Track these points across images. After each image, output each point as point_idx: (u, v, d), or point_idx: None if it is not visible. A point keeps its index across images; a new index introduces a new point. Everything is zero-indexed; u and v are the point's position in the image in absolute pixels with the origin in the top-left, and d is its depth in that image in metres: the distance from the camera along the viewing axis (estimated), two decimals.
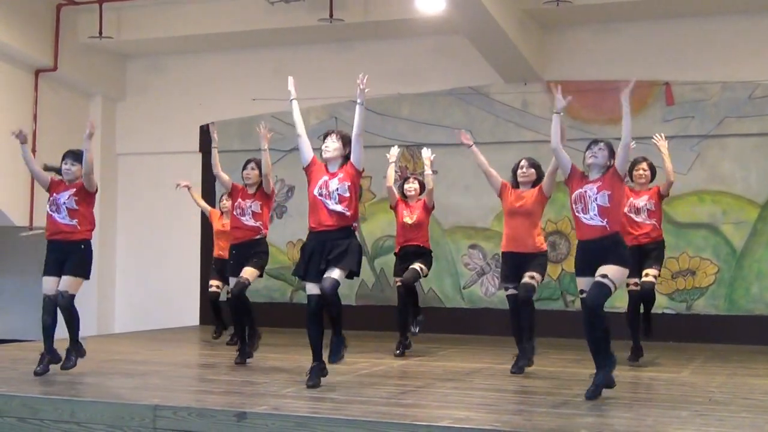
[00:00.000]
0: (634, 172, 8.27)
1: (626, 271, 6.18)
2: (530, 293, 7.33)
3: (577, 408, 5.85)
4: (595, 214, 6.13)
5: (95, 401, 5.90)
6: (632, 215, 8.18)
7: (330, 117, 11.95)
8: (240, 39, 12.13)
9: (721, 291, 10.43)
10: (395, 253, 9.05)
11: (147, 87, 13.03)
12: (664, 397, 6.52)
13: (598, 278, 6.00)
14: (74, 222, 7.14)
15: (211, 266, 10.20)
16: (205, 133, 12.61)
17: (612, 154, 6.33)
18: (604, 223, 6.12)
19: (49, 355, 7.22)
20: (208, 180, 12.58)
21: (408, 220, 8.83)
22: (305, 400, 5.99)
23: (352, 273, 6.53)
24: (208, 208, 10.22)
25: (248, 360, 8.00)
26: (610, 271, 6.01)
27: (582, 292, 6.17)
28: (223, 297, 9.99)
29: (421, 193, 8.96)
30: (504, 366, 8.03)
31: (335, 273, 6.40)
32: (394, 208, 9.00)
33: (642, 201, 8.18)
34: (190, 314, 12.42)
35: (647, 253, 8.12)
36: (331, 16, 11.03)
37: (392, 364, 7.56)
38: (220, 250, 9.90)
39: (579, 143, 10.76)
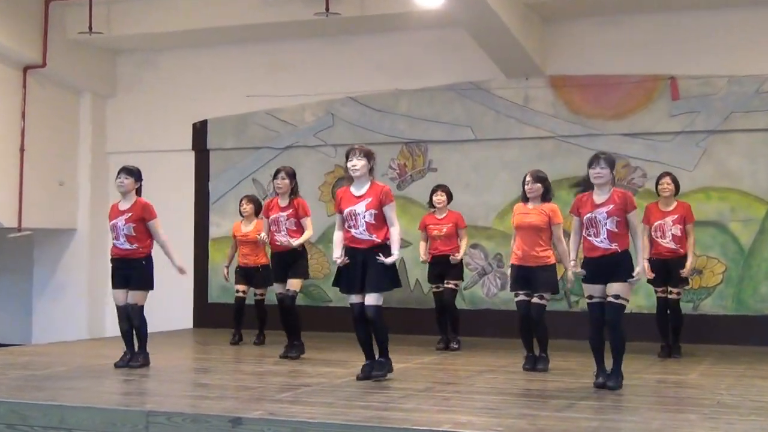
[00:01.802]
0: (659, 186, 8.88)
1: (633, 284, 6.70)
2: (541, 313, 7.80)
3: (582, 412, 5.84)
4: (605, 238, 6.63)
5: (86, 407, 5.87)
6: (658, 239, 8.77)
7: (327, 113, 11.94)
8: (234, 33, 12.10)
9: (729, 290, 10.42)
10: (429, 262, 9.74)
11: (138, 83, 13.00)
12: (671, 400, 6.52)
13: (611, 299, 6.60)
14: (133, 246, 7.81)
15: (236, 272, 10.37)
16: (197, 130, 12.63)
17: (613, 164, 6.73)
18: (614, 247, 6.63)
19: (131, 353, 7.94)
20: (201, 180, 12.60)
21: (437, 233, 9.55)
22: (302, 405, 5.97)
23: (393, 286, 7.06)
24: (231, 240, 10.44)
25: (288, 355, 8.63)
26: (621, 290, 6.60)
27: (591, 297, 6.68)
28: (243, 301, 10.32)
29: (448, 203, 9.62)
30: (506, 368, 8.04)
31: (373, 299, 6.90)
32: (423, 228, 9.71)
33: (668, 224, 8.73)
34: (184, 317, 12.41)
35: (671, 269, 8.74)
36: (327, 9, 11.00)
37: (393, 367, 7.54)
38: (245, 259, 10.18)
39: (582, 139, 10.87)
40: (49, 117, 12.41)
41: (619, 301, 6.57)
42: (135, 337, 7.98)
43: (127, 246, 7.80)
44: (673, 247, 8.70)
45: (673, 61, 10.70)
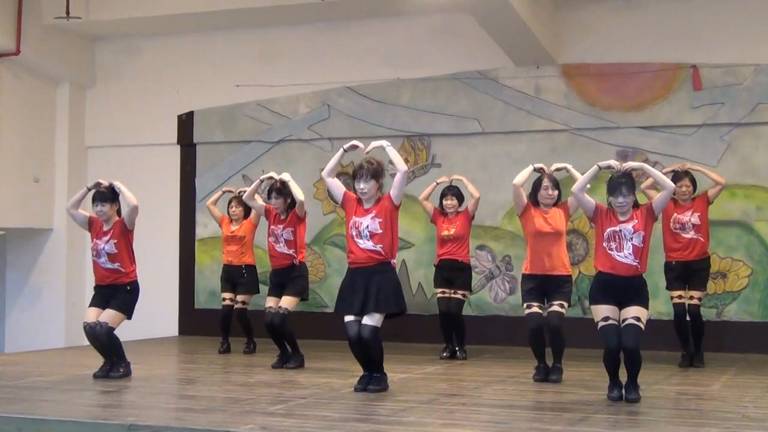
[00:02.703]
0: (677, 189, 8.77)
1: (647, 311, 6.79)
2: (561, 321, 7.80)
3: (596, 425, 5.85)
4: (629, 253, 6.70)
5: (64, 420, 5.88)
6: (678, 231, 8.90)
7: (322, 104, 11.94)
8: (223, 19, 12.10)
9: (755, 295, 10.43)
10: (435, 265, 9.85)
11: (119, 72, 13.01)
12: (692, 413, 6.53)
13: (632, 321, 6.62)
14: (116, 266, 7.97)
15: (221, 276, 10.48)
16: (183, 123, 12.63)
17: (634, 184, 6.77)
18: (637, 264, 6.70)
19: (111, 363, 8.03)
20: (187, 176, 12.60)
21: (446, 233, 9.63)
22: (296, 418, 5.98)
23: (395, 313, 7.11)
24: (219, 215, 10.41)
25: (286, 365, 8.74)
26: (641, 314, 6.66)
27: (607, 319, 6.67)
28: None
29: (459, 207, 9.73)
30: (516, 379, 8.04)
31: (374, 319, 6.95)
32: (434, 221, 9.80)
33: (686, 216, 8.89)
34: (169, 324, 12.41)
35: (693, 272, 8.88)
36: None
37: (393, 377, 7.56)
38: (229, 256, 10.31)
39: (597, 133, 10.87)
40: (24, 109, 12.41)
41: (639, 323, 6.60)
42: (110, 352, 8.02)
43: (109, 266, 7.94)
44: (695, 237, 8.83)
45: (694, 48, 10.70)
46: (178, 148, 12.70)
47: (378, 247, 6.96)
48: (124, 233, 7.96)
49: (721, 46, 10.65)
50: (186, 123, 12.63)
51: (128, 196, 7.90)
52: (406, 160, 11.55)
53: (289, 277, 8.84)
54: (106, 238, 7.93)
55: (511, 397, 7.14)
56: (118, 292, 7.95)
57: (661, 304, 10.02)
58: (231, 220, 10.32)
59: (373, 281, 6.94)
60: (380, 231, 6.96)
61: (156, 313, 12.13)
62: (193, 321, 12.38)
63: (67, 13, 11.81)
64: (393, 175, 7.08)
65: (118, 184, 8.02)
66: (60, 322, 12.61)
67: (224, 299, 10.33)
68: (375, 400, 6.73)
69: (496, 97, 11.33)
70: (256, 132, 12.24)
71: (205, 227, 12.38)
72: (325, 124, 11.92)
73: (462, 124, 11.48)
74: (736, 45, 10.59)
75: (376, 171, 7.04)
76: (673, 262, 8.92)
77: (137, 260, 8.14)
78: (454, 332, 9.71)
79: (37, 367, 8.88)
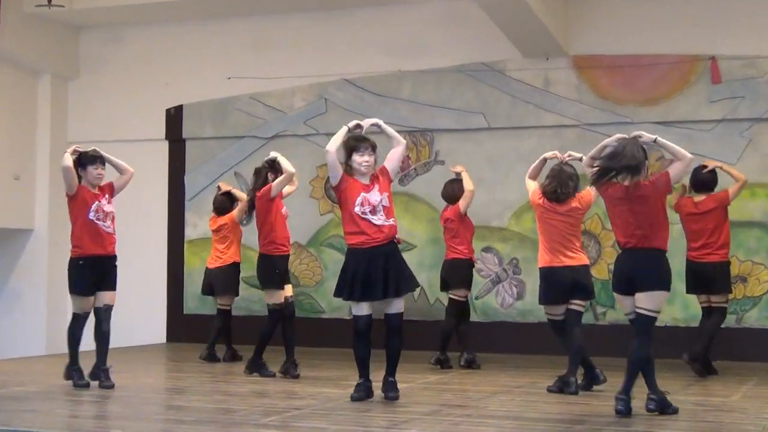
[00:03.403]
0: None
1: None
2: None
3: None
4: None
5: None
6: None
7: (319, 98, 11.93)
8: (213, 7, 12.10)
9: None
10: (473, 263, 9.66)
11: (104, 63, 12.99)
12: (710, 425, 6.51)
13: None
14: (113, 230, 7.97)
15: (237, 275, 10.38)
16: (172, 117, 12.61)
17: None
18: None
19: (78, 366, 7.97)
20: (176, 174, 12.58)
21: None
22: (291, 430, 5.97)
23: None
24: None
25: (287, 373, 8.68)
26: None
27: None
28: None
29: None
30: (523, 389, 8.02)
31: (400, 305, 7.15)
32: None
33: None
34: (156, 330, 12.39)
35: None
36: None
37: None
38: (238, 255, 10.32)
39: (610, 128, 10.78)
40: (3, 102, 12.40)
41: None
42: (99, 346, 7.96)
43: (110, 230, 7.92)
44: None
45: (713, 39, 10.70)
46: (166, 143, 12.68)
47: (391, 221, 7.11)
48: (112, 193, 8.06)
49: (741, 36, 10.64)
50: (175, 117, 12.62)
51: (123, 164, 8.08)
52: (408, 157, 11.57)
53: (287, 264, 8.92)
54: (104, 200, 7.94)
55: (519, 409, 7.11)
56: (109, 266, 7.96)
57: (677, 309, 10.01)
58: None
59: (389, 263, 7.06)
60: (389, 205, 7.14)
61: (142, 319, 12.15)
62: (182, 327, 12.36)
63: (49, 1, 11.81)
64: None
65: (105, 154, 8.04)
66: (41, 327, 12.59)
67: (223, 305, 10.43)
68: (374, 411, 6.72)
69: (502, 91, 11.32)
70: (249, 127, 12.23)
71: (194, 228, 12.36)
72: (322, 118, 11.90)
73: (467, 118, 11.46)
74: (757, 35, 10.59)
75: (375, 145, 7.21)
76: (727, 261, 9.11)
77: (123, 266, 8.15)
78: (465, 335, 9.55)
79: (17, 375, 8.87)
